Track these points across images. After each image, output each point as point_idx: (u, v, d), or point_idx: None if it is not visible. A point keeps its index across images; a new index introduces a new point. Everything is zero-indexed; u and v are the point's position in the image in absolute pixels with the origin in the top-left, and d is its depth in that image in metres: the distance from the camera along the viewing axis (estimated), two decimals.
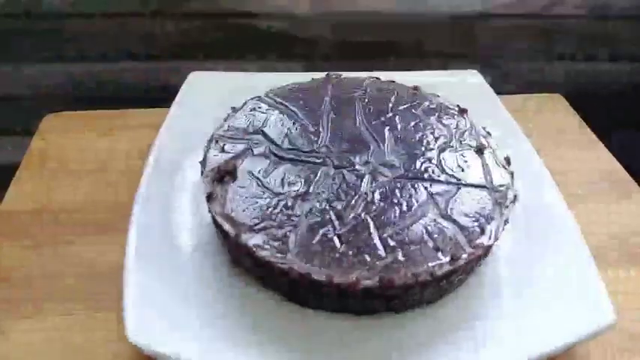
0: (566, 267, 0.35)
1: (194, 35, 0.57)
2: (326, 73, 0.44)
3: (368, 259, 0.30)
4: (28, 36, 0.56)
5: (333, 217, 0.32)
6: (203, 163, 0.35)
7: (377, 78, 0.43)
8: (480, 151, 0.37)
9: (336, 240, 0.31)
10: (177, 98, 0.47)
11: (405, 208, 0.33)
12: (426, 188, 0.34)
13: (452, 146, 0.37)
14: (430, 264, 0.30)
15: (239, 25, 0.57)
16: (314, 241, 0.31)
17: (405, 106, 0.40)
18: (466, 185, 0.35)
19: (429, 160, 0.36)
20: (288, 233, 0.31)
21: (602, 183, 0.46)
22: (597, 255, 0.35)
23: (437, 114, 0.40)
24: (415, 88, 0.43)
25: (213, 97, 0.47)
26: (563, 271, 0.35)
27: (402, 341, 0.32)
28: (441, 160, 0.36)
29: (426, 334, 0.32)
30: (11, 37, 0.56)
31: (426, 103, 0.41)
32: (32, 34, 0.56)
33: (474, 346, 0.32)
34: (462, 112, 0.41)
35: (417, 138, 0.38)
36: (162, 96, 0.47)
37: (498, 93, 0.50)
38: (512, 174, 0.36)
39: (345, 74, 0.44)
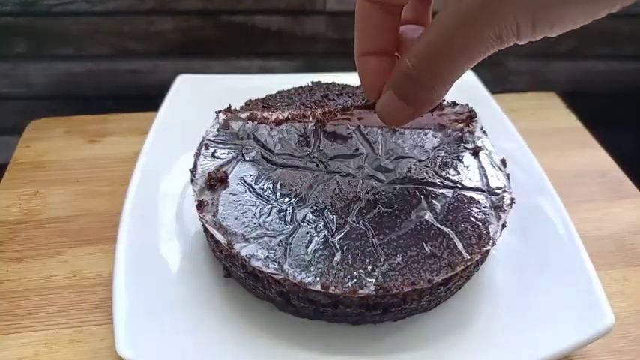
0: (564, 269, 0.35)
1: (192, 33, 0.57)
2: (318, 81, 0.42)
3: (364, 267, 0.29)
4: (26, 35, 0.55)
5: (328, 224, 0.31)
6: (193, 170, 0.35)
7: None
8: (475, 153, 0.36)
9: (331, 248, 0.30)
10: (165, 102, 0.46)
11: (400, 213, 0.32)
12: (421, 192, 0.33)
13: (447, 148, 0.36)
14: (428, 271, 0.29)
15: (237, 23, 0.56)
16: (309, 250, 0.30)
17: None
18: (462, 189, 0.34)
19: (424, 163, 0.35)
20: (281, 242, 0.30)
21: (599, 183, 0.46)
22: (594, 256, 0.35)
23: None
24: None
25: (202, 101, 0.46)
26: (561, 274, 0.35)
27: (399, 350, 0.31)
28: (436, 163, 0.35)
29: (423, 341, 0.32)
30: (8, 36, 0.55)
31: None
32: (30, 33, 0.55)
33: (472, 353, 0.31)
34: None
35: (411, 141, 0.37)
36: (160, 94, 0.46)
37: (499, 91, 0.49)
38: (508, 176, 0.36)
39: (340, 75, 0.43)
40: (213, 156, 0.35)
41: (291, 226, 0.31)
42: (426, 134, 0.37)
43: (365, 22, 0.28)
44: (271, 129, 0.36)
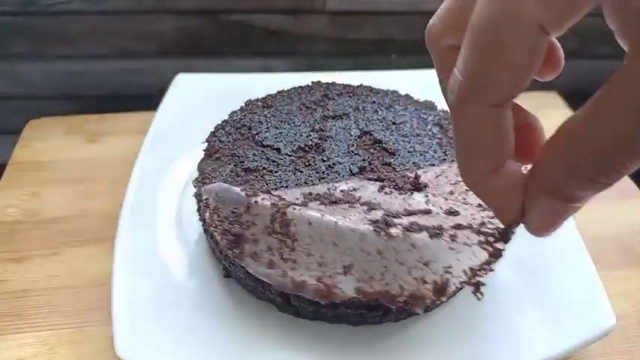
0: (565, 270, 0.35)
1: (192, 33, 0.56)
2: (318, 80, 0.42)
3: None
4: (25, 35, 0.55)
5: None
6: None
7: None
8: None
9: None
10: (164, 102, 0.45)
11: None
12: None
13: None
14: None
15: (237, 22, 0.56)
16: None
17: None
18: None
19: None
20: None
21: None
22: (597, 256, 0.35)
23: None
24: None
25: (201, 100, 0.46)
26: (562, 274, 0.34)
27: (400, 350, 0.31)
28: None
29: (425, 341, 0.32)
30: (7, 36, 0.55)
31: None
32: (29, 32, 0.55)
33: (473, 354, 0.31)
34: None
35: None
36: (159, 94, 0.46)
37: None
38: None
39: (339, 75, 0.43)
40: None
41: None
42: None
43: (496, 134, 0.20)
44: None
